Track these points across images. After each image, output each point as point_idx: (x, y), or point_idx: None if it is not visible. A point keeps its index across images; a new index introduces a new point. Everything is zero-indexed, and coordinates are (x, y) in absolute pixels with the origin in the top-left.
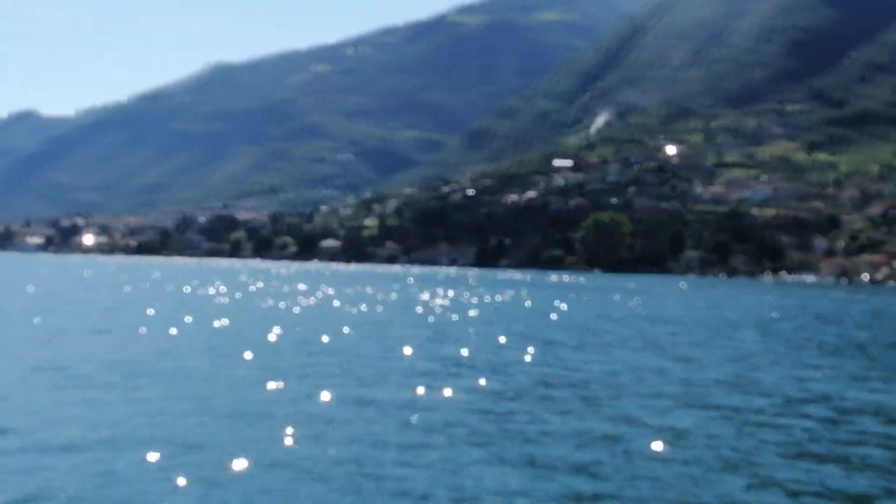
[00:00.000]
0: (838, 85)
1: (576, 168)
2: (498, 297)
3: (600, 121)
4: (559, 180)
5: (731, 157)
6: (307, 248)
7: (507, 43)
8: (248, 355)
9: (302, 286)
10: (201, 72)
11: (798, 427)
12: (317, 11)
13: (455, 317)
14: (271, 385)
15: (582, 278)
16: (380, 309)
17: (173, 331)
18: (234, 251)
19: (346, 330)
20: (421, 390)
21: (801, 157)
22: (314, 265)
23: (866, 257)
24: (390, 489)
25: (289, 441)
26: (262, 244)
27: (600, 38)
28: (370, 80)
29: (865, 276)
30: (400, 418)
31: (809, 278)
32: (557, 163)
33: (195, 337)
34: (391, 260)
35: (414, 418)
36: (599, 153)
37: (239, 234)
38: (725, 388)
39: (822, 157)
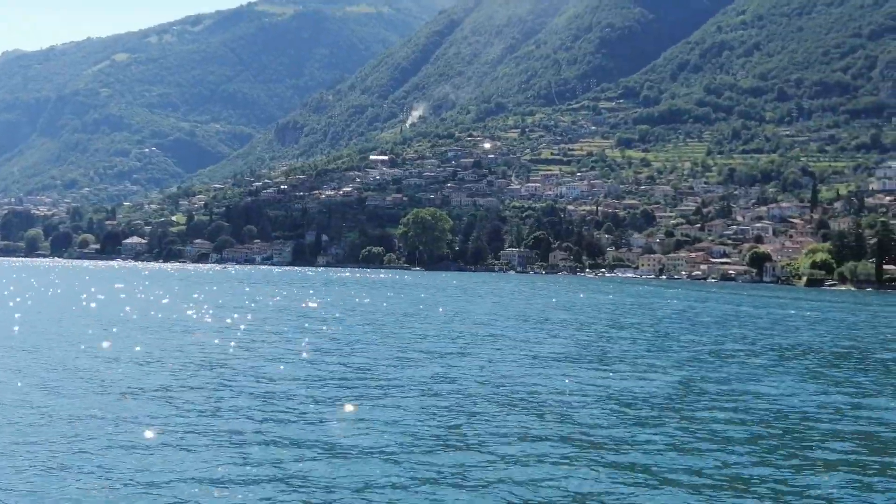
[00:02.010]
0: (651, 83)
1: (392, 163)
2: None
3: (415, 115)
4: (375, 175)
5: (546, 154)
6: (110, 246)
7: (317, 35)
8: None
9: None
10: None
11: None
12: None
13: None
14: None
15: (408, 276)
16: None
17: None
18: (31, 249)
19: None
20: None
21: (614, 154)
22: (118, 263)
23: (684, 254)
24: None
25: None
26: (61, 241)
27: (413, 32)
28: (174, 71)
29: (683, 273)
30: None
31: (628, 274)
32: (373, 158)
33: None
34: (202, 258)
35: None
36: (415, 148)
37: (35, 231)
38: None
39: (634, 154)
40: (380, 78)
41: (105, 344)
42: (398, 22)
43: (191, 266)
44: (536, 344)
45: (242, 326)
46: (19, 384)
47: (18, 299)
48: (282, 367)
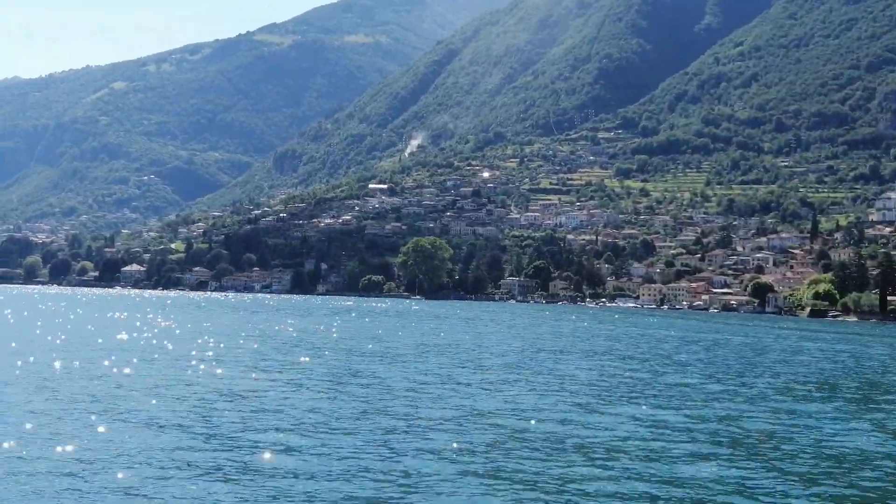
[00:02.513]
0: (649, 114)
1: (391, 192)
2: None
3: (414, 144)
4: (374, 204)
5: (545, 183)
6: (109, 273)
7: (315, 64)
8: None
9: None
10: None
11: None
12: (115, 28)
13: None
14: None
15: (410, 305)
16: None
17: None
18: (29, 276)
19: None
20: None
21: (613, 184)
22: (118, 291)
23: (684, 284)
24: None
25: None
26: (60, 269)
27: (411, 62)
28: (172, 99)
29: (684, 303)
30: None
31: (629, 304)
32: (372, 186)
33: None
34: (200, 286)
35: None
36: (414, 177)
37: (34, 259)
38: None
39: (633, 184)
40: (378, 107)
41: (127, 370)
42: (396, 52)
43: (191, 294)
44: (566, 377)
45: (261, 357)
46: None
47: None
48: (315, 400)
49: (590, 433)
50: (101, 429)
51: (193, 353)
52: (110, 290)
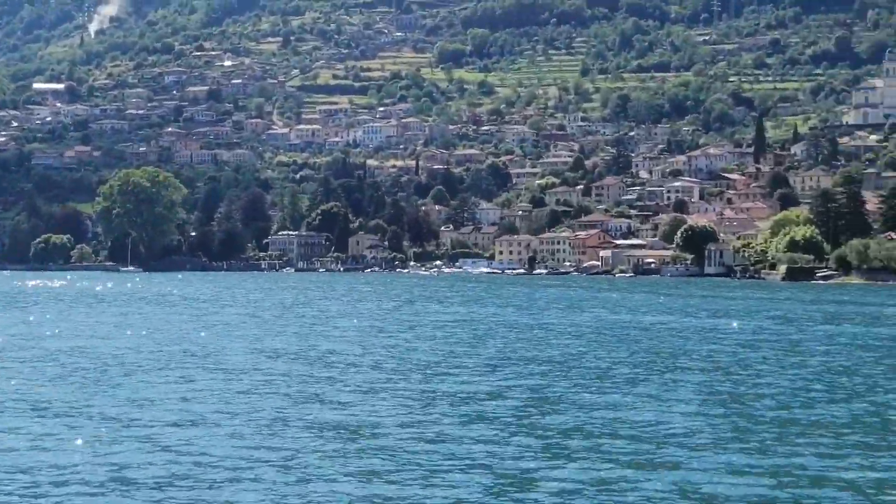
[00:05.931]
0: None
1: (71, 95)
2: None
3: (104, 17)
4: (45, 116)
5: (325, 77)
6: None
7: None
8: None
9: None
10: None
11: None
12: None
13: None
14: None
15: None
16: None
17: None
18: None
19: None
20: None
21: (436, 75)
22: None
23: (567, 234)
24: None
25: None
26: None
27: None
28: None
29: (568, 264)
30: None
31: (481, 269)
32: (39, 87)
33: None
34: None
35: None
36: (109, 71)
37: None
38: None
39: (468, 75)
40: None
41: None
42: None
43: None
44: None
45: None
46: None
47: None
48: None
49: None
50: None
51: None
52: None
